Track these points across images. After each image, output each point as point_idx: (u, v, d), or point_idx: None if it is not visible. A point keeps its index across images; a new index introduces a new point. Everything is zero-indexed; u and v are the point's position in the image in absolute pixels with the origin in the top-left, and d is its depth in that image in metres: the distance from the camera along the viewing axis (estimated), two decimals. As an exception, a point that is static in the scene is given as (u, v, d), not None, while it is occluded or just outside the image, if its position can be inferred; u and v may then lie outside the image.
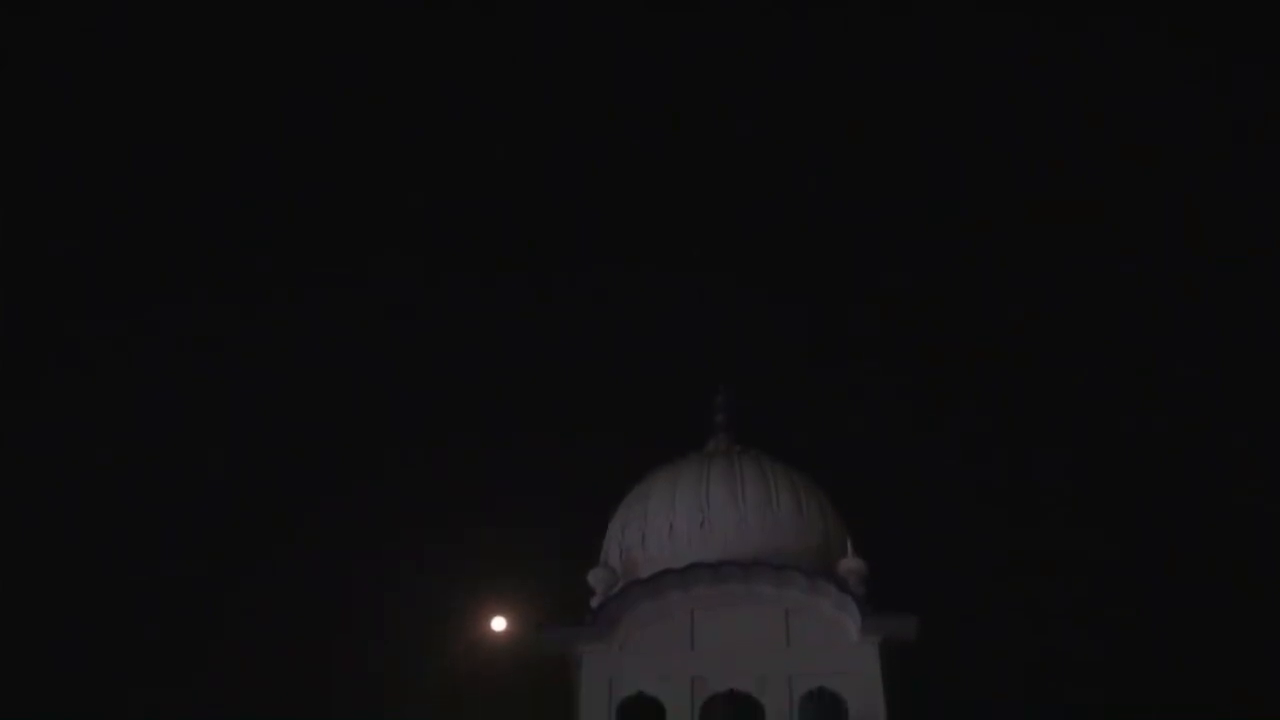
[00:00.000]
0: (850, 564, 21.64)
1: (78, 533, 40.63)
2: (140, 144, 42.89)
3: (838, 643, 20.72)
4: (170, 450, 43.21)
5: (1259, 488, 39.13)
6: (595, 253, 47.86)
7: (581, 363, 46.49)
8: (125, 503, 41.85)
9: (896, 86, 44.86)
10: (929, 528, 40.54)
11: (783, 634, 20.96)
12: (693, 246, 49.16)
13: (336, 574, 42.61)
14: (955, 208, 46.82)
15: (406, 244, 47.46)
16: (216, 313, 44.88)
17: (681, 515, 22.97)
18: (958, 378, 45.74)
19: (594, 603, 21.81)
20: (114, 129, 42.62)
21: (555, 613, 23.20)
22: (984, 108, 44.97)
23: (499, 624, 29.92)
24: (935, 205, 46.97)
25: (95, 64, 41.83)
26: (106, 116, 42.43)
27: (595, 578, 22.47)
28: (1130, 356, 44.70)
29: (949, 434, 45.85)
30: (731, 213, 49.30)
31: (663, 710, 20.28)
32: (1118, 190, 43.52)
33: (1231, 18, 40.12)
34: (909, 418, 45.77)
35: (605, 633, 20.99)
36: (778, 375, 43.11)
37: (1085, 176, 44.16)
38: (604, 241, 48.18)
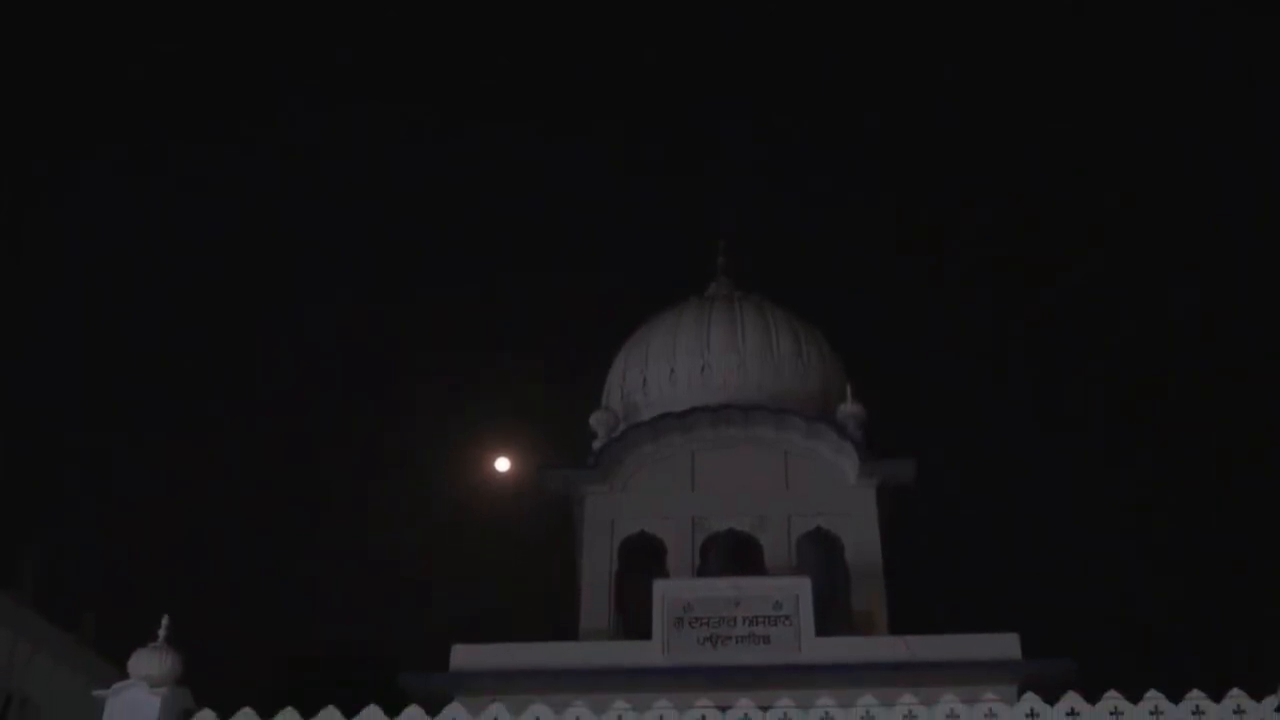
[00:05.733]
0: (849, 409, 21.77)
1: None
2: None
3: (835, 485, 20.95)
4: (174, 278, 43.31)
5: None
6: (603, 101, 47.22)
7: (584, 207, 46.22)
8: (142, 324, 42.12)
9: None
10: (928, 373, 40.82)
11: (782, 476, 21.20)
12: (697, 94, 48.45)
13: (342, 414, 43.01)
14: (958, 52, 45.97)
15: (421, 83, 46.78)
16: (233, 129, 44.45)
17: (682, 360, 23.07)
18: (958, 224, 45.50)
19: (596, 445, 22.05)
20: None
21: (558, 455, 23.54)
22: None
23: (503, 465, 30.42)
24: (938, 50, 46.09)
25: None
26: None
27: (597, 420, 22.68)
28: (1134, 194, 44.38)
29: (948, 280, 45.84)
30: (735, 59, 48.44)
31: (664, 548, 20.62)
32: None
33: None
34: (910, 264, 45.71)
35: (607, 474, 21.23)
36: (780, 220, 42.91)
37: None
38: (610, 89, 47.47)
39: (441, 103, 46.60)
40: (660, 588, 18.45)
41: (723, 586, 18.38)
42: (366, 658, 30.64)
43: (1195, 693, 12.78)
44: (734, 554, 20.58)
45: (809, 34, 47.71)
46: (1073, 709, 12.70)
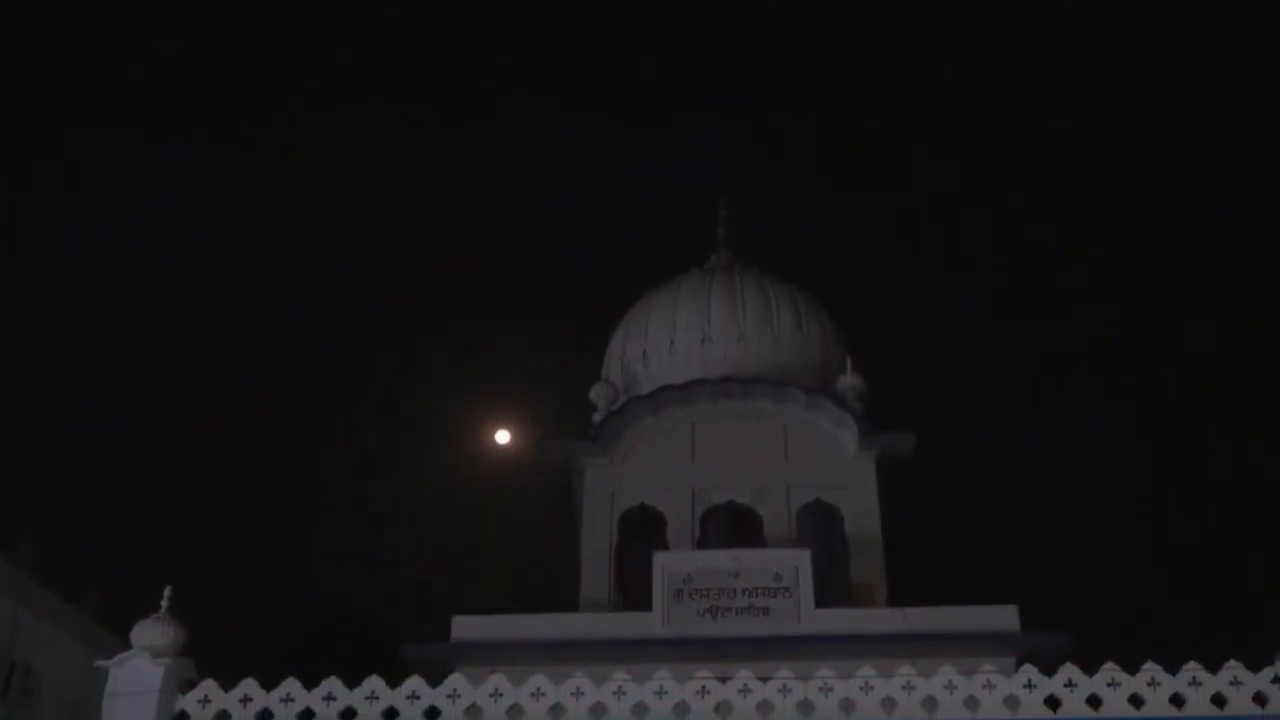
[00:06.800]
0: (849, 381, 21.75)
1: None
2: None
3: (835, 457, 20.97)
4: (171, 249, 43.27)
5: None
6: (601, 72, 47.05)
7: (586, 180, 46.13)
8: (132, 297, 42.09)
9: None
10: (929, 346, 40.83)
11: (782, 448, 21.22)
12: (697, 65, 48.25)
13: (344, 388, 43.06)
14: (959, 23, 45.76)
15: (421, 81, 46.72)
16: (233, 129, 44.40)
17: (682, 332, 23.04)
18: (958, 213, 45.43)
19: (596, 418, 22.05)
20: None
21: (558, 427, 23.55)
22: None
23: (503, 437, 30.43)
24: (939, 18, 45.89)
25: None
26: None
27: (597, 393, 22.67)
28: (1132, 159, 44.25)
29: (950, 254, 45.79)
30: (737, 31, 48.22)
31: (664, 520, 20.65)
32: None
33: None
34: (911, 237, 45.67)
35: (607, 446, 21.24)
36: (780, 192, 42.82)
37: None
38: (609, 60, 47.30)
39: (441, 86, 46.57)
40: (660, 560, 18.50)
41: (722, 558, 18.43)
42: (368, 629, 30.76)
43: (1192, 664, 12.83)
44: (734, 526, 20.61)
45: (806, 24, 47.55)
46: (1070, 680, 12.74)
